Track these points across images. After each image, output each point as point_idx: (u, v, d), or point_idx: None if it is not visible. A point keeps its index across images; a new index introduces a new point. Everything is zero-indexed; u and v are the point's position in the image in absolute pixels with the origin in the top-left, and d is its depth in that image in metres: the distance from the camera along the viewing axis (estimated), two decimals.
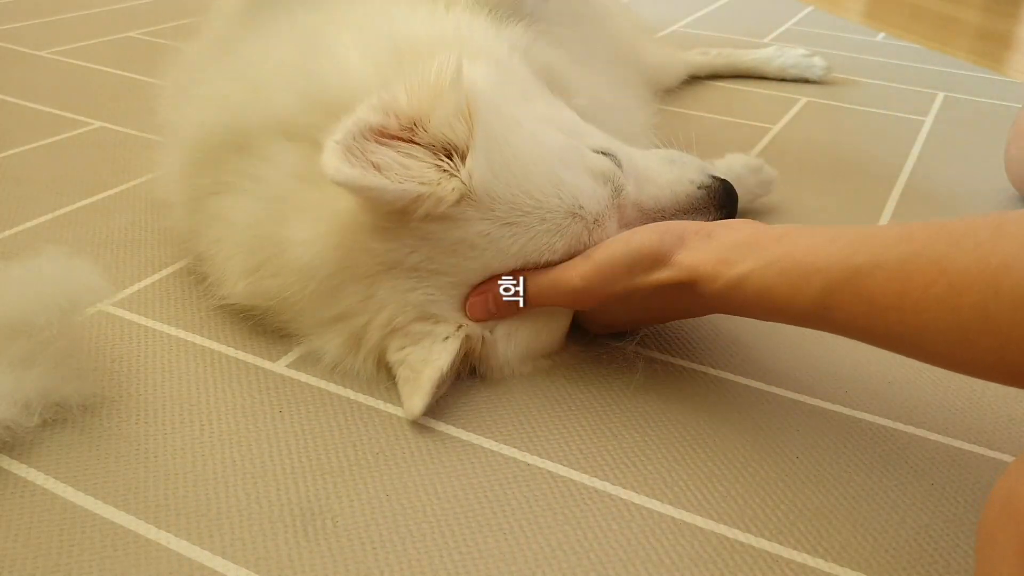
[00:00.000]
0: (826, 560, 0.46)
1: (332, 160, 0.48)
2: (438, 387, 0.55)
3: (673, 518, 0.49)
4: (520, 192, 0.53)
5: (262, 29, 0.66)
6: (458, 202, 0.52)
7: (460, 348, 0.56)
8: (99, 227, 0.78)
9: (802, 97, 1.22)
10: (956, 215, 0.87)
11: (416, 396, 0.54)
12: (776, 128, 1.10)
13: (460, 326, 0.56)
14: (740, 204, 0.80)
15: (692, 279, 0.53)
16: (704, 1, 1.79)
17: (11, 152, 0.93)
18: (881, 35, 1.62)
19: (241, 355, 0.61)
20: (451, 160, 0.52)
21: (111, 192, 0.85)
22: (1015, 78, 1.40)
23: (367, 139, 0.50)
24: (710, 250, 0.53)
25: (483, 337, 0.57)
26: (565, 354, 0.62)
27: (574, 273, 0.55)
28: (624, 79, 0.86)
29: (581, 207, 0.55)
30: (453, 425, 0.55)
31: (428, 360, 0.55)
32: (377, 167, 0.50)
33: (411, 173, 0.51)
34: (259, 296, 0.59)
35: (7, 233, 0.76)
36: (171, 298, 0.67)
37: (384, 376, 0.58)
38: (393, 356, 0.56)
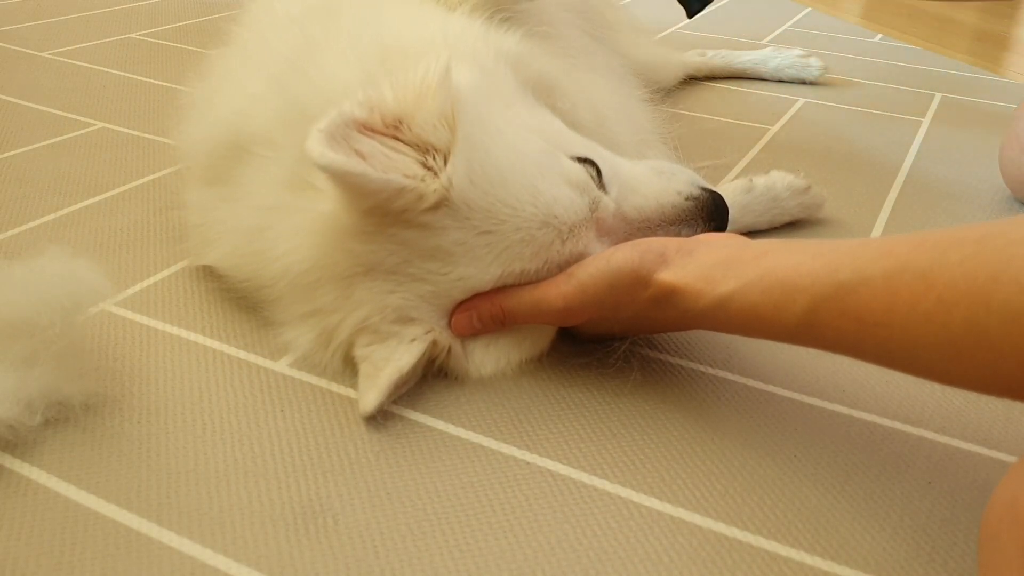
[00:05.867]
0: (824, 558, 0.47)
1: (316, 146, 0.48)
2: (397, 387, 0.55)
3: (671, 516, 0.49)
4: (496, 201, 0.53)
5: (272, 41, 0.68)
6: (435, 208, 0.52)
7: (425, 351, 0.56)
8: (101, 227, 0.78)
9: (800, 98, 1.22)
10: (953, 216, 0.89)
11: (372, 392, 0.54)
12: (774, 129, 1.10)
13: (430, 330, 0.56)
14: (771, 224, 0.81)
15: (674, 298, 0.53)
16: None
17: (13, 152, 0.94)
18: (879, 36, 1.63)
19: (243, 354, 0.61)
20: (433, 161, 0.53)
21: (113, 192, 0.85)
22: (1012, 79, 1.41)
23: (351, 128, 0.50)
24: (691, 268, 0.53)
25: (450, 346, 0.58)
26: (562, 354, 0.62)
27: (556, 293, 0.55)
28: (627, 85, 0.85)
29: (555, 216, 0.55)
30: (453, 424, 0.56)
31: (391, 359, 0.55)
32: (361, 155, 0.50)
33: (395, 165, 0.51)
34: (238, 274, 0.62)
35: (10, 233, 0.77)
36: (173, 298, 0.68)
37: (356, 372, 0.58)
38: (358, 351, 0.57)
